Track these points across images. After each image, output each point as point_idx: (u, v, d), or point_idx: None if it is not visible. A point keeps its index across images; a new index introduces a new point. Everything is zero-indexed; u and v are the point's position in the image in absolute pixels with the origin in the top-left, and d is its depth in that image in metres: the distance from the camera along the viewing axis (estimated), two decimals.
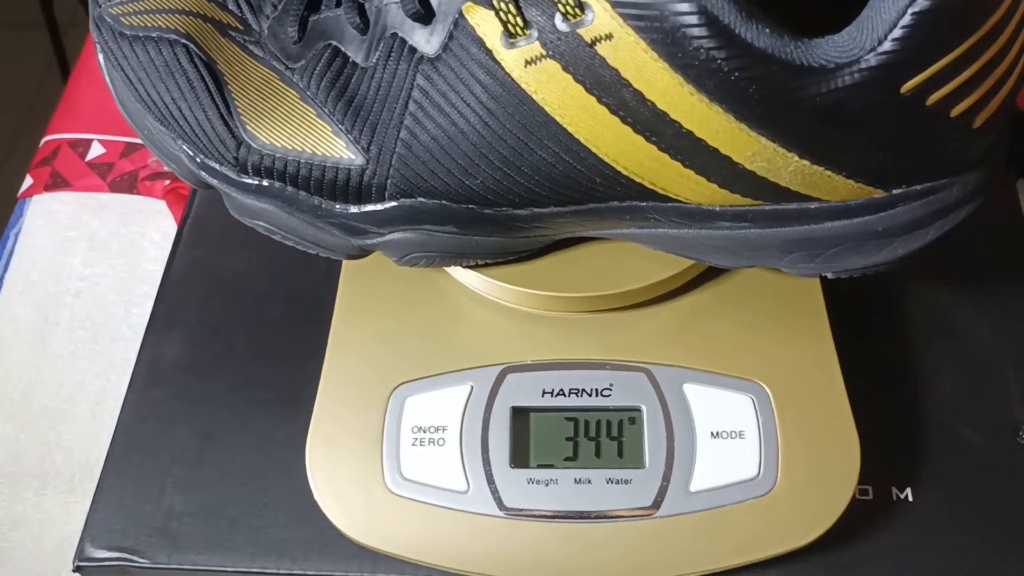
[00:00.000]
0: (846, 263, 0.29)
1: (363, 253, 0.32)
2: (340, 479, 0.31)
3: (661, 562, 0.30)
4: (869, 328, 0.36)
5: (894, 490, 0.32)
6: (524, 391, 0.32)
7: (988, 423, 0.34)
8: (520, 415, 0.32)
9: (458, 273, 0.34)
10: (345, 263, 0.35)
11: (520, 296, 0.33)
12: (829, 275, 0.30)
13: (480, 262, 0.33)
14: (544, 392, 0.32)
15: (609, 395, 0.32)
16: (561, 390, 0.32)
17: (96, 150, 0.57)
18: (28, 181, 0.57)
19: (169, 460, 0.34)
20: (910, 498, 0.32)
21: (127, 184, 0.56)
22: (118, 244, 0.54)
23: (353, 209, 0.30)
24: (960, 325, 0.36)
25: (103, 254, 0.54)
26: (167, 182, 0.55)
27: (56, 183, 0.56)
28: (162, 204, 0.55)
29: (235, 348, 0.36)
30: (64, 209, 0.55)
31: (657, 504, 0.30)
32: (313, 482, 0.31)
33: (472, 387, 0.32)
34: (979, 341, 0.35)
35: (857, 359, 0.33)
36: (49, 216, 0.55)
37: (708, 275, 0.34)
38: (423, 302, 0.34)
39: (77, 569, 0.33)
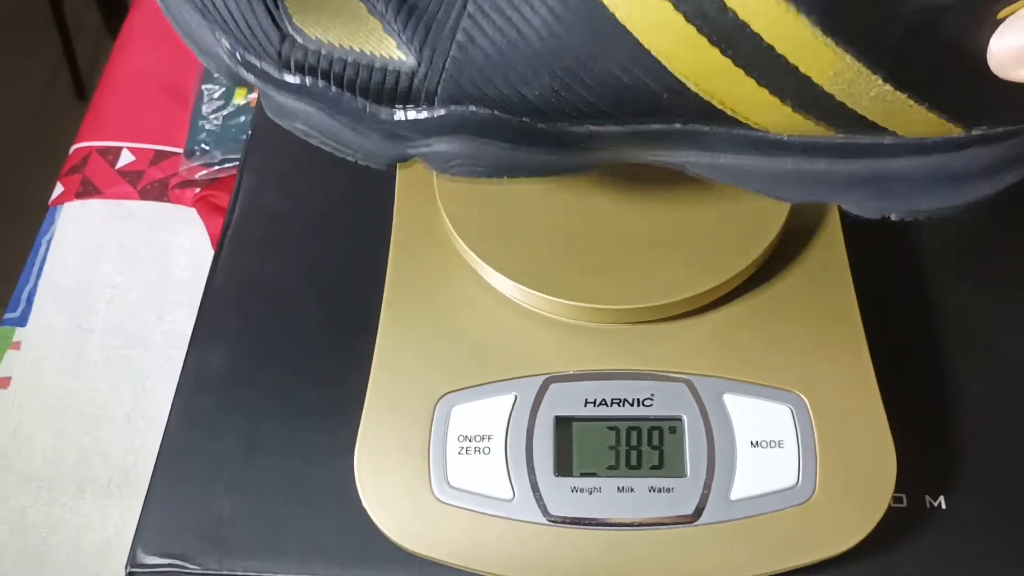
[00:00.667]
0: (915, 204, 0.28)
1: (402, 160, 0.30)
2: (388, 486, 0.32)
3: (702, 569, 0.31)
4: (903, 335, 0.36)
5: (928, 498, 0.33)
6: (567, 401, 0.33)
7: (1021, 431, 0.34)
8: (563, 424, 0.32)
9: (501, 284, 0.34)
10: (390, 272, 0.35)
11: (562, 307, 0.33)
12: (893, 216, 0.29)
13: (522, 177, 0.30)
14: (587, 402, 0.33)
15: (651, 405, 0.32)
16: (603, 400, 0.33)
17: (126, 158, 0.58)
18: (59, 189, 0.57)
19: (217, 467, 0.34)
20: (943, 505, 0.33)
21: (157, 192, 0.56)
22: (149, 252, 0.55)
23: (399, 115, 0.28)
24: (994, 331, 0.36)
25: (134, 262, 0.54)
26: (197, 190, 0.55)
27: (87, 191, 0.57)
28: (192, 212, 0.55)
29: (278, 356, 0.37)
30: (95, 217, 0.56)
31: (699, 512, 0.31)
32: (361, 489, 0.32)
33: (516, 397, 0.33)
34: (1013, 348, 0.36)
35: (891, 366, 0.33)
36: (80, 224, 0.56)
37: (745, 286, 0.34)
38: (467, 312, 0.35)
39: (129, 575, 0.33)
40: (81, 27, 1.59)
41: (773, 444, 0.32)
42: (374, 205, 0.39)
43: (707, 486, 0.31)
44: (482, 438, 0.32)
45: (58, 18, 1.51)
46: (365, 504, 0.32)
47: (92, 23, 1.60)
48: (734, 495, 0.31)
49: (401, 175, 0.38)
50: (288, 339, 0.37)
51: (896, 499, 0.33)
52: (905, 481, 0.32)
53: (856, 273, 0.35)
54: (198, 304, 0.52)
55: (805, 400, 0.32)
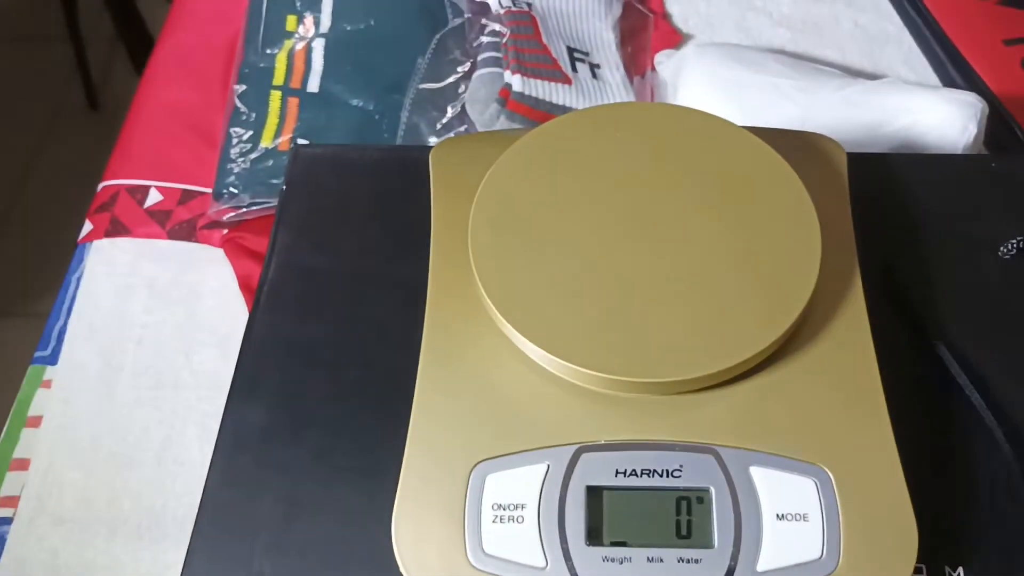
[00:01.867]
0: None
1: None
2: (425, 552, 0.33)
3: None
4: (924, 408, 0.37)
5: (947, 569, 0.34)
6: (598, 470, 0.34)
7: None
8: (594, 494, 0.33)
9: (534, 353, 0.35)
10: (425, 339, 0.36)
11: (594, 378, 0.34)
12: None
13: None
14: (617, 472, 0.34)
15: (679, 476, 0.33)
16: (633, 470, 0.34)
17: (154, 197, 0.59)
18: (87, 227, 0.59)
19: (256, 527, 0.35)
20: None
21: (185, 232, 0.57)
22: (177, 292, 0.56)
23: None
24: (1015, 404, 0.37)
25: (163, 301, 0.55)
26: (225, 231, 0.56)
27: (116, 230, 0.58)
28: (220, 252, 0.56)
29: (315, 415, 0.38)
30: (124, 256, 0.57)
31: None
32: (399, 554, 0.33)
33: (549, 466, 0.34)
34: None
35: (912, 438, 0.34)
36: (110, 263, 0.57)
37: (772, 359, 0.35)
38: (500, 380, 0.36)
39: None
40: (94, 37, 1.59)
41: (798, 517, 0.33)
42: (409, 260, 0.40)
43: (734, 557, 0.32)
44: (516, 507, 0.33)
45: (71, 28, 1.52)
46: (402, 568, 0.33)
47: (105, 33, 1.61)
48: (760, 567, 0.32)
49: (436, 238, 0.39)
50: (325, 399, 0.38)
51: (916, 569, 0.34)
52: (925, 552, 0.33)
53: (879, 347, 0.36)
54: (226, 346, 0.53)
55: (829, 474, 0.33)
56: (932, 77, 0.64)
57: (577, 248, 0.37)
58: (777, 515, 0.33)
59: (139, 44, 1.43)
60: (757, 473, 0.33)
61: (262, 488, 0.36)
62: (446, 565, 0.33)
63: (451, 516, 0.33)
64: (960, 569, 0.34)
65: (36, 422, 0.51)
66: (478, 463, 0.34)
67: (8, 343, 1.23)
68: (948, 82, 0.62)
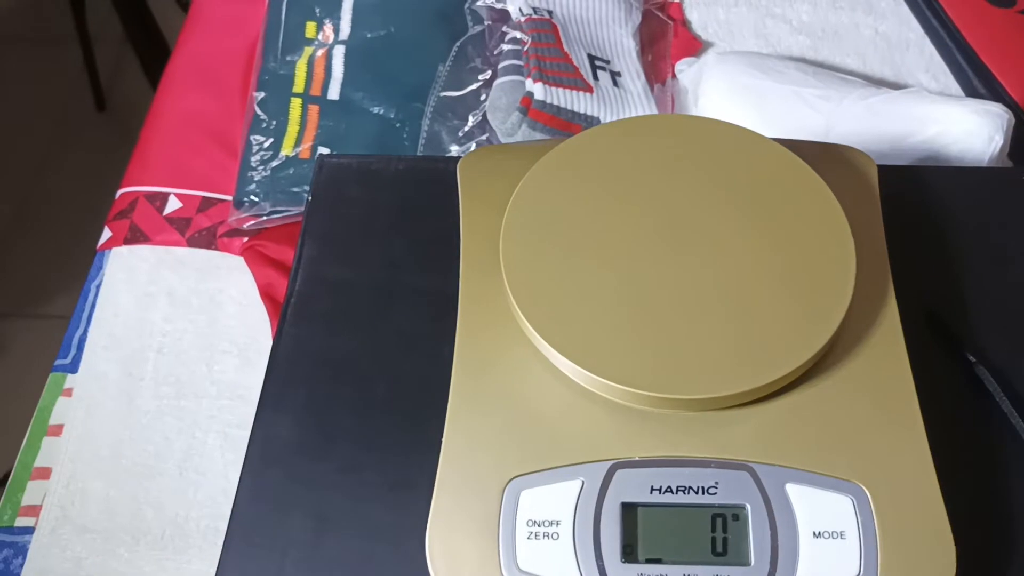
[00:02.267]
0: None
1: None
2: (459, 568, 0.33)
3: None
4: (961, 426, 0.37)
5: None
6: (633, 487, 0.33)
7: None
8: (629, 511, 0.33)
9: (568, 368, 0.35)
10: (457, 354, 0.36)
11: (629, 395, 0.34)
12: None
13: None
14: (652, 489, 0.33)
15: (715, 493, 0.33)
16: (669, 487, 0.33)
17: (173, 204, 0.59)
18: (107, 233, 0.58)
19: (286, 542, 0.35)
20: None
21: (205, 240, 0.57)
22: (198, 300, 0.56)
23: None
24: None
25: (183, 310, 0.55)
26: (245, 239, 0.56)
27: (135, 237, 0.58)
28: (240, 260, 0.56)
29: (344, 430, 0.38)
30: (143, 264, 0.57)
31: None
32: (433, 570, 0.33)
33: (583, 482, 0.33)
34: None
35: (949, 456, 0.34)
36: (129, 271, 0.57)
37: (807, 376, 0.35)
38: (534, 396, 0.35)
39: None
40: (102, 38, 1.59)
41: (835, 535, 0.33)
42: (436, 272, 0.40)
43: (771, 575, 0.32)
44: (550, 523, 0.33)
45: (80, 30, 1.52)
46: None
47: (113, 35, 1.61)
48: None
49: (466, 250, 0.39)
50: (354, 413, 0.38)
51: None
52: (963, 571, 0.33)
53: (915, 363, 0.35)
54: (247, 355, 0.53)
55: (866, 491, 0.33)
56: (954, 85, 0.64)
57: (610, 261, 0.37)
58: (814, 533, 0.33)
59: (149, 46, 1.43)
60: (793, 490, 0.33)
61: (292, 503, 0.36)
62: None
63: (485, 532, 0.33)
64: None
65: (57, 431, 0.51)
66: (512, 479, 0.34)
67: (23, 344, 1.24)
68: (970, 90, 0.62)
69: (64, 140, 1.55)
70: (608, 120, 0.57)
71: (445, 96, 0.60)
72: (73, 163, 1.50)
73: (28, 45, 1.67)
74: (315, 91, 0.60)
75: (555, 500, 0.33)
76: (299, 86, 0.60)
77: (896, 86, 0.61)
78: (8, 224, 1.43)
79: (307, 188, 0.46)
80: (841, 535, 0.33)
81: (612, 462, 0.34)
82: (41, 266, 1.34)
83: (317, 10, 0.64)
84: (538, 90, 0.56)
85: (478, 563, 0.33)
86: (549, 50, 0.59)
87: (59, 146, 1.54)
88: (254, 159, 0.57)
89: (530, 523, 0.33)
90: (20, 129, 1.55)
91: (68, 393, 0.53)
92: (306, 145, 0.57)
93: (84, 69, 1.56)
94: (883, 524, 0.33)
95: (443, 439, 0.35)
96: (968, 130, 0.52)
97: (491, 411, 0.35)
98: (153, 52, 1.40)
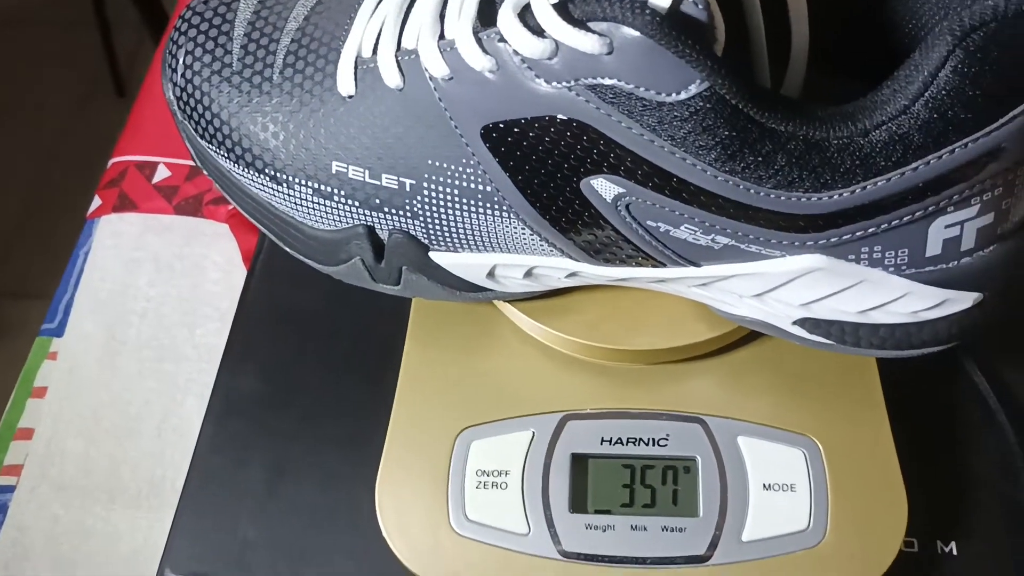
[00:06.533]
0: None
1: None
2: (408, 518, 0.33)
3: None
4: (916, 381, 0.37)
5: (939, 543, 0.34)
6: (583, 438, 0.33)
7: None
8: (579, 462, 0.33)
9: (521, 321, 0.35)
10: (414, 308, 0.36)
11: (581, 347, 0.34)
12: None
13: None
14: (603, 440, 0.33)
15: (665, 445, 0.33)
16: (619, 438, 0.33)
17: (162, 173, 0.59)
18: (96, 202, 0.59)
19: (242, 492, 0.36)
20: (955, 551, 0.33)
21: (192, 207, 0.58)
22: (182, 265, 0.56)
23: None
24: (1008, 376, 0.37)
25: (167, 275, 0.56)
26: (231, 206, 0.57)
27: (124, 205, 0.58)
28: (225, 227, 0.57)
29: (305, 383, 0.38)
30: (130, 230, 0.57)
31: (710, 553, 0.32)
32: (382, 520, 0.33)
33: (534, 433, 0.33)
34: None
35: (903, 412, 0.34)
36: (116, 237, 0.57)
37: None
38: (488, 349, 0.35)
39: None
40: (122, 23, 1.61)
41: (785, 487, 0.32)
42: None
43: (719, 527, 0.32)
44: (500, 473, 0.33)
45: (99, 15, 1.53)
46: (385, 534, 0.33)
47: (132, 19, 1.62)
48: (746, 537, 0.32)
49: None
50: (316, 367, 0.38)
51: (908, 543, 0.33)
52: (917, 526, 0.32)
53: None
54: (229, 320, 0.53)
55: (818, 444, 0.33)
56: None
57: None
58: (764, 485, 0.32)
59: (164, 31, 1.44)
60: (745, 443, 0.33)
61: (251, 454, 0.36)
62: (429, 530, 0.33)
63: (435, 482, 0.33)
64: (953, 544, 0.34)
65: (41, 392, 0.52)
66: (463, 430, 0.34)
67: (28, 324, 1.25)
68: None
69: (82, 124, 1.57)
70: None
71: None
72: (93, 147, 1.52)
73: (47, 30, 1.69)
74: None
75: (505, 450, 0.33)
76: None
77: None
78: (27, 207, 1.45)
79: None
80: (792, 487, 0.32)
81: (563, 413, 0.34)
82: (50, 248, 1.36)
83: None
84: None
85: (427, 512, 0.33)
86: None
87: (78, 130, 1.56)
88: None
89: (479, 472, 0.33)
90: (39, 113, 1.57)
91: (53, 356, 0.53)
92: None
93: (104, 55, 1.57)
94: (835, 477, 0.32)
95: (396, 391, 0.35)
96: None
97: (444, 364, 0.35)
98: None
